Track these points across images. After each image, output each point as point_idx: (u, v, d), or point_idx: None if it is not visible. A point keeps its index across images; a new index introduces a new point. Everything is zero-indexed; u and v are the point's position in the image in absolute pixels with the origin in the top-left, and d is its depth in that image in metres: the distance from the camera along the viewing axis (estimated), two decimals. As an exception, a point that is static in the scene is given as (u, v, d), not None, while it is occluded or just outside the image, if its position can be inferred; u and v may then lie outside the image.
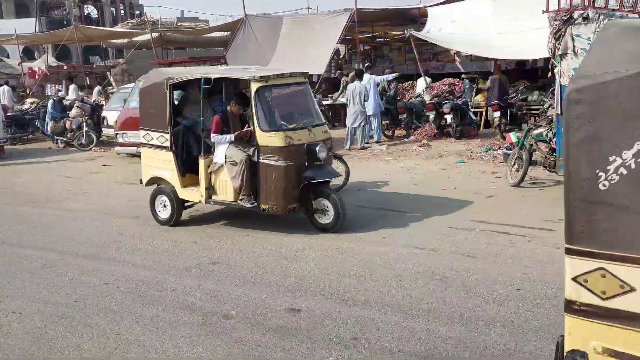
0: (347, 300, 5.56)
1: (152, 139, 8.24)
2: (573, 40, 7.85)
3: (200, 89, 7.64)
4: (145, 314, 5.41)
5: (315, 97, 17.11)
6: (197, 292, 5.93)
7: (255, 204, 7.39)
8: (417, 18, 19.22)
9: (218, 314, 5.41)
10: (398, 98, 16.14)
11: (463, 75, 17.44)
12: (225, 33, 22.40)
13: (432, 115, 14.18)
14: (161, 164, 8.18)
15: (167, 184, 8.19)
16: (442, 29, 16.11)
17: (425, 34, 16.15)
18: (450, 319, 5.05)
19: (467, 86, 16.15)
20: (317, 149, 7.31)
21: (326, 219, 7.47)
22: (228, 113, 7.79)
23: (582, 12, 7.71)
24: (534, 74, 16.90)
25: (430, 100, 14.84)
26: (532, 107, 14.14)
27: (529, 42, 12.34)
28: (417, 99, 15.90)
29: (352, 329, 4.95)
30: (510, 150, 9.91)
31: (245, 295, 5.79)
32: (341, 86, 17.11)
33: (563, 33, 7.97)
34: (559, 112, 8.16)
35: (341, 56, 24.29)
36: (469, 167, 11.28)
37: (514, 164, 9.61)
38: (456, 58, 19.61)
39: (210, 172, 7.73)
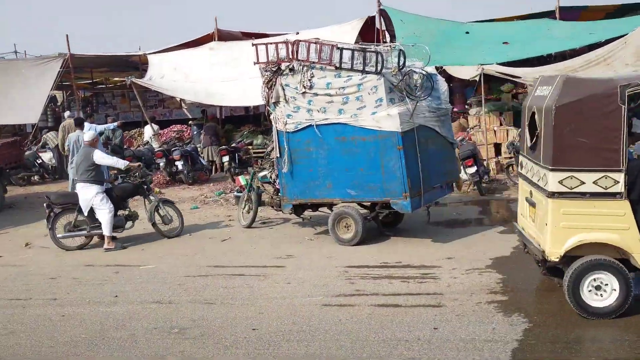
0: (76, 372, 5.05)
1: (582, 184, 5.34)
2: (283, 89, 8.56)
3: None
4: None
5: (31, 149, 15.66)
6: None
7: None
8: (139, 65, 18.97)
9: None
10: (125, 146, 15.59)
11: (190, 122, 17.69)
12: None
13: (162, 163, 14.02)
14: (602, 221, 5.36)
15: (609, 252, 5.42)
16: (164, 76, 16.16)
17: (147, 81, 16.00)
18: (190, 372, 4.94)
19: (195, 132, 16.42)
20: None
21: None
22: None
23: (288, 64, 8.47)
24: (258, 119, 18.00)
25: (159, 147, 14.69)
26: (257, 150, 14.97)
27: (247, 90, 13.09)
28: (146, 146, 15.59)
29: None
30: (241, 193, 10.29)
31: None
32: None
33: (274, 83, 8.65)
34: (278, 155, 8.77)
35: (58, 103, 22.60)
36: (203, 212, 11.37)
37: (244, 206, 10.00)
38: (183, 104, 19.83)
39: None
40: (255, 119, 17.97)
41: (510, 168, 11.98)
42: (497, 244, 8.03)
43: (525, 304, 5.90)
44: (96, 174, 9.08)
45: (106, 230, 8.97)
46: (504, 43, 14.78)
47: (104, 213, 8.94)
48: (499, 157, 12.89)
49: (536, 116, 5.75)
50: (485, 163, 12.22)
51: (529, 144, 6.04)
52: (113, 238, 9.08)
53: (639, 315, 5.37)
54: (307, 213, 9.28)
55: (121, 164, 9.44)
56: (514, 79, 12.73)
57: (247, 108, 18.29)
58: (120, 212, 9.29)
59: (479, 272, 6.93)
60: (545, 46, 14.35)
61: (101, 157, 9.13)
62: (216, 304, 6.44)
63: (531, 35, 14.95)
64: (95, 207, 8.99)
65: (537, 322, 5.40)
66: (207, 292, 6.88)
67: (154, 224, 9.48)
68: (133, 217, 9.52)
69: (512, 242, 8.07)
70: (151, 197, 9.60)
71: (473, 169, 11.05)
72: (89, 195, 8.96)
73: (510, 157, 12.01)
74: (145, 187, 9.58)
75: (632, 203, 5.28)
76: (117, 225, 9.13)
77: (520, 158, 6.55)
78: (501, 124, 13.27)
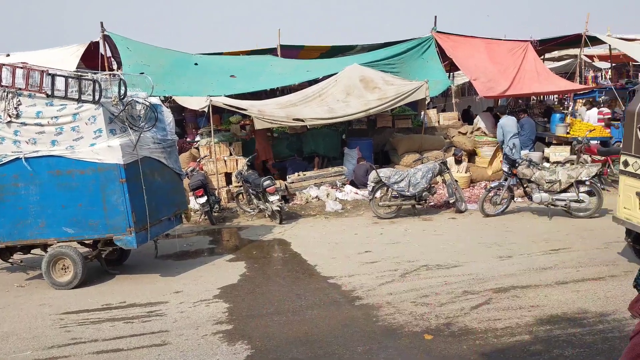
0: None
1: None
2: (-16, 116, 7.51)
3: None
4: None
5: None
6: None
7: None
8: None
9: None
10: None
11: None
12: None
13: None
14: None
15: None
16: None
17: None
18: None
19: None
20: None
21: None
22: None
23: (-10, 89, 7.49)
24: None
25: None
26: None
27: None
28: None
29: None
30: None
31: None
32: None
33: (-28, 109, 7.53)
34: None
35: None
36: None
37: None
38: None
39: None
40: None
41: (240, 196, 12.36)
42: (226, 273, 8.14)
43: (250, 330, 6.02)
44: None
45: None
46: (231, 76, 15.36)
47: None
48: (230, 186, 13.22)
49: None
50: (216, 192, 12.40)
51: None
52: None
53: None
54: (18, 256, 8.24)
55: None
56: (240, 111, 13.23)
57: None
58: None
59: (207, 303, 6.91)
60: (269, 81, 15.31)
61: None
62: None
63: (256, 70, 15.83)
64: None
65: (259, 348, 5.55)
66: None
67: None
68: None
69: (240, 269, 8.29)
70: None
71: (203, 199, 11.11)
72: None
73: (240, 186, 12.40)
74: None
75: None
76: None
77: (624, 157, 7.45)
78: (231, 154, 13.67)
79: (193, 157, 14.00)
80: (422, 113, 15.92)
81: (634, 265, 7.39)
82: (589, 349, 5.05)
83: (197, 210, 11.65)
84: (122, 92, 7.88)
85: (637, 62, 19.33)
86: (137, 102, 8.23)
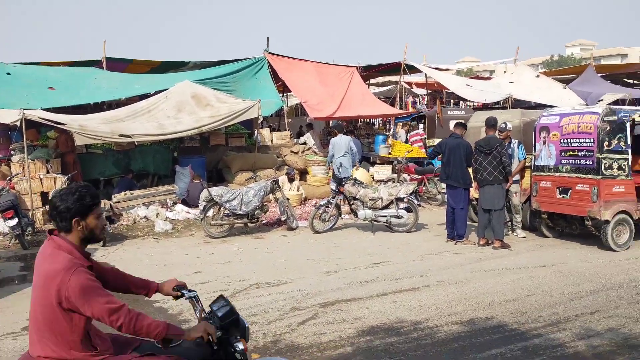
0: None
1: None
2: None
3: None
4: None
5: None
6: None
7: None
8: None
9: None
10: None
11: None
12: None
13: None
14: None
15: None
16: None
17: None
18: None
19: None
20: None
21: None
22: None
23: None
24: None
25: None
26: None
27: None
28: None
29: None
30: None
31: None
32: None
33: None
34: None
35: None
36: None
37: None
38: None
39: None
40: None
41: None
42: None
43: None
44: None
45: None
46: (49, 88, 14.23)
47: None
48: (46, 207, 12.13)
49: None
50: (29, 214, 11.31)
51: None
52: None
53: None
54: None
55: None
56: (59, 126, 12.26)
57: None
58: None
59: (14, 336, 6.19)
60: (94, 94, 14.45)
61: None
62: None
63: (79, 82, 14.85)
64: None
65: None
66: None
67: None
68: None
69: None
70: None
71: (14, 221, 10.06)
72: None
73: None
74: None
75: None
76: None
77: None
78: (48, 172, 12.58)
79: (3, 175, 12.65)
80: (256, 132, 16.09)
81: (445, 276, 8.09)
82: (405, 356, 5.38)
83: (7, 234, 10.53)
84: None
85: (449, 89, 21.42)
86: None
